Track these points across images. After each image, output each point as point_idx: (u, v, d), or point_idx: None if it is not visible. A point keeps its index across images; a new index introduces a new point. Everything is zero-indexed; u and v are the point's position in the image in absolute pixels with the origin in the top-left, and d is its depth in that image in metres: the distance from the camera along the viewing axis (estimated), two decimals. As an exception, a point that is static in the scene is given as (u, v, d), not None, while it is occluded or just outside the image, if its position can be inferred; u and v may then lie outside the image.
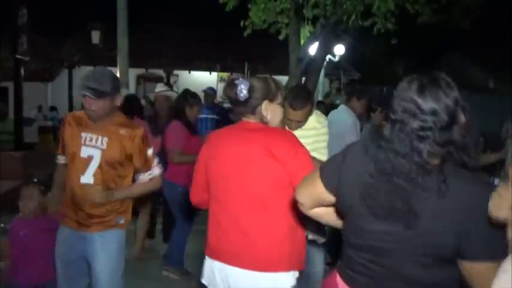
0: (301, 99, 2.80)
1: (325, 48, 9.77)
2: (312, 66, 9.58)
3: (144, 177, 2.66)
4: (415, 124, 1.36)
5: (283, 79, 12.95)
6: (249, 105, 2.09)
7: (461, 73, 14.08)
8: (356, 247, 1.54)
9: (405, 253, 1.42)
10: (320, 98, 12.37)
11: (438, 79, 1.41)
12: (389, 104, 1.45)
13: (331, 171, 1.60)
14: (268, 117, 2.11)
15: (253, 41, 11.40)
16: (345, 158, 1.56)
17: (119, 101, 2.56)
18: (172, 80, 16.85)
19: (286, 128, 2.76)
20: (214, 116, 6.38)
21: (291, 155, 2.00)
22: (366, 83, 13.72)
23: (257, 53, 14.27)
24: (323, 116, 3.10)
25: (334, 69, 13.29)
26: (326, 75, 12.16)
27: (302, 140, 2.13)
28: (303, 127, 2.88)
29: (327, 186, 1.60)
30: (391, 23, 9.06)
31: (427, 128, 1.35)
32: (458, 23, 9.40)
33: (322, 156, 2.85)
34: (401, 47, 11.28)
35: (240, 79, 2.07)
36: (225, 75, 15.73)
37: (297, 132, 2.61)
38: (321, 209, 1.73)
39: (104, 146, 2.52)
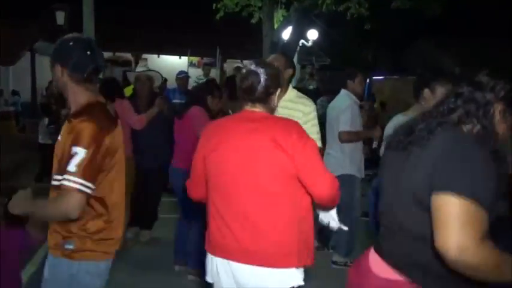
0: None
1: (299, 33, 9.70)
2: (285, 51, 9.48)
3: (54, 182, 1.92)
4: None
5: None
6: (264, 94, 2.02)
7: (430, 60, 14.31)
8: (381, 215, 1.70)
9: (401, 203, 1.56)
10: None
11: None
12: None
13: None
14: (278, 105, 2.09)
15: (225, 24, 11.19)
16: None
17: (58, 72, 1.96)
18: (141, 64, 16.48)
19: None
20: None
21: (299, 146, 1.94)
22: (336, 69, 13.77)
23: (229, 37, 14.04)
24: (310, 101, 3.00)
25: (306, 54, 13.24)
26: (299, 60, 12.10)
27: None
28: (290, 113, 2.77)
29: None
30: (364, 8, 9.06)
31: None
32: (429, 10, 9.48)
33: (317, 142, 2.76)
34: (373, 33, 11.33)
35: (254, 66, 2.03)
36: (195, 59, 15.45)
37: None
38: None
39: (60, 137, 1.99)
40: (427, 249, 1.47)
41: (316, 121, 2.89)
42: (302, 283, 2.02)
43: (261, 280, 1.96)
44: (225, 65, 14.32)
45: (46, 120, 7.56)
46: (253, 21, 10.03)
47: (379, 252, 1.66)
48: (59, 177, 1.85)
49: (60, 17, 11.25)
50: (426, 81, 2.96)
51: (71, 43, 1.98)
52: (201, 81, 9.52)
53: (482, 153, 1.44)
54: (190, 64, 14.49)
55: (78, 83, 1.98)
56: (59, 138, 1.99)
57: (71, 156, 1.81)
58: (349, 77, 4.41)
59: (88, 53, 1.97)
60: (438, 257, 1.42)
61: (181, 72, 7.31)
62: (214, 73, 11.88)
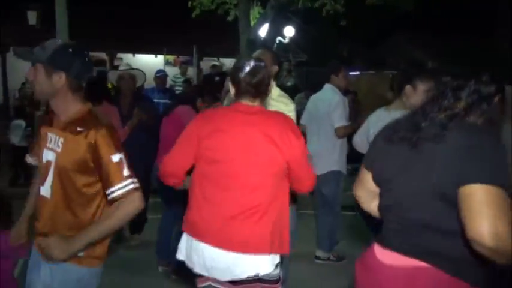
0: None
1: (276, 30, 9.71)
2: (261, 48, 9.49)
3: (111, 196, 1.90)
4: None
5: (233, 61, 12.76)
6: (265, 88, 2.12)
7: (403, 54, 14.50)
8: (386, 209, 1.75)
9: (415, 199, 1.60)
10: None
11: None
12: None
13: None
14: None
15: (201, 22, 11.12)
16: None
17: (60, 81, 1.92)
18: (115, 63, 16.23)
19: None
20: (167, 101, 6.16)
21: (292, 142, 2.04)
22: (312, 65, 13.83)
23: (205, 35, 13.96)
24: (290, 100, 3.03)
25: (284, 51, 13.27)
26: (276, 57, 12.09)
27: None
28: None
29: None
30: (339, 4, 9.13)
31: None
32: (402, 5, 9.62)
33: None
34: (348, 29, 11.44)
35: (254, 61, 2.11)
36: (172, 58, 15.32)
37: None
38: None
39: (59, 149, 1.94)
40: (448, 239, 1.54)
41: (295, 120, 2.93)
42: (275, 267, 2.10)
43: (230, 263, 2.03)
44: (201, 63, 14.25)
45: (23, 123, 7.38)
46: (230, 18, 10.01)
47: (387, 245, 1.70)
48: (111, 189, 1.86)
49: (32, 17, 10.98)
50: (409, 77, 3.00)
51: (70, 50, 1.95)
52: (178, 80, 9.48)
53: (495, 142, 1.52)
54: (167, 63, 14.38)
55: (75, 91, 1.96)
56: (57, 149, 1.94)
57: (118, 163, 1.87)
58: (333, 72, 4.43)
59: (87, 60, 1.99)
60: (462, 246, 1.48)
61: (159, 71, 7.25)
62: (191, 71, 11.82)
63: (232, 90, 2.15)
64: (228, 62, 13.34)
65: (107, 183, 1.88)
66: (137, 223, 4.72)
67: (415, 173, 1.61)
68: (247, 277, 2.05)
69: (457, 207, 1.47)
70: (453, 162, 1.50)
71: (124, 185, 1.86)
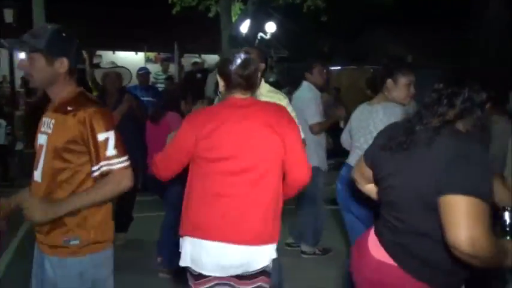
0: None
1: (257, 26, 9.72)
2: (244, 45, 9.49)
3: (94, 174, 1.93)
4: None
5: (215, 58, 12.72)
6: (256, 80, 2.11)
7: (383, 49, 14.65)
8: (382, 205, 1.86)
9: (405, 203, 1.69)
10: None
11: None
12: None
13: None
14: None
15: (182, 19, 11.05)
16: None
17: (63, 66, 1.94)
18: (95, 61, 16.01)
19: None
20: (150, 98, 6.11)
21: (289, 130, 2.07)
22: (294, 61, 13.85)
23: (186, 31, 13.88)
24: (283, 95, 3.05)
25: (265, 47, 13.28)
26: (257, 53, 12.08)
27: None
28: None
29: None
30: (320, 0, 9.18)
31: None
32: (384, 1, 9.73)
33: None
34: (329, 24, 11.50)
35: (243, 53, 2.09)
36: (152, 55, 15.18)
37: None
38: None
39: (50, 130, 1.96)
40: (426, 244, 1.64)
41: (293, 113, 2.88)
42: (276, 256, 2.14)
43: (244, 257, 2.03)
44: (182, 60, 14.17)
45: (3, 122, 7.34)
46: (211, 15, 9.97)
47: (378, 237, 1.81)
48: (95, 167, 1.90)
49: (9, 15, 10.76)
50: (390, 71, 3.03)
51: (64, 34, 1.95)
52: (160, 77, 9.43)
53: (481, 153, 1.60)
54: (147, 60, 14.25)
55: (72, 74, 1.99)
56: (49, 131, 1.96)
57: (103, 142, 1.89)
58: (306, 69, 4.45)
59: (77, 43, 2.00)
60: (439, 251, 1.59)
61: (142, 68, 7.18)
62: (172, 68, 11.74)
63: (222, 84, 2.11)
64: (210, 59, 13.31)
65: (93, 161, 1.90)
66: (123, 222, 4.69)
67: (404, 176, 1.70)
68: (257, 269, 2.07)
69: (438, 213, 1.55)
70: (438, 169, 1.57)
71: (109, 164, 1.89)
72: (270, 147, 2.03)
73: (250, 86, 2.09)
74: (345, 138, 3.53)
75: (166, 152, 2.14)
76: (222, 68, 2.10)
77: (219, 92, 2.25)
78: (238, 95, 2.09)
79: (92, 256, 1.97)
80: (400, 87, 3.01)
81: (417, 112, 1.78)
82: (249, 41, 9.43)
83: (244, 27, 9.72)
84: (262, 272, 2.10)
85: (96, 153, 1.89)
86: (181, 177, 2.20)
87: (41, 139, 2.00)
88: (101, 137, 1.89)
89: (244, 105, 2.07)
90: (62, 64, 1.94)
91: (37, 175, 1.99)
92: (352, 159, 3.23)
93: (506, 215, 1.78)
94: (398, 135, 1.76)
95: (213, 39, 11.07)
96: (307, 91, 4.40)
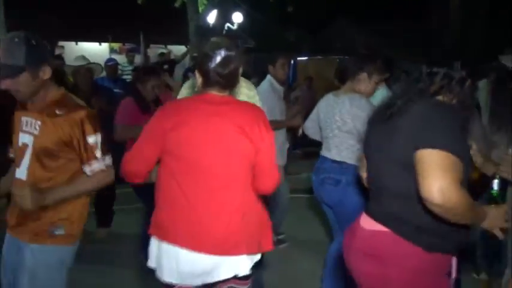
0: None
1: (224, 16, 9.69)
2: (211, 35, 9.46)
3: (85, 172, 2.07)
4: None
5: (181, 49, 12.61)
6: (235, 79, 2.01)
7: (348, 39, 14.89)
8: (368, 180, 1.96)
9: (384, 167, 1.79)
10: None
11: None
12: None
13: None
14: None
15: (148, 9, 10.89)
16: None
17: (46, 73, 1.99)
18: (57, 52, 15.58)
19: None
20: (119, 90, 6.03)
21: (264, 137, 1.97)
22: (260, 51, 13.88)
23: (152, 21, 13.67)
24: (251, 85, 3.04)
25: (232, 37, 13.25)
26: (224, 44, 12.04)
27: None
28: None
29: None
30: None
31: None
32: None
33: None
34: (295, 15, 11.59)
35: (224, 50, 1.93)
36: (117, 45, 14.90)
37: None
38: None
39: (37, 131, 2.01)
40: (408, 205, 1.71)
41: (260, 103, 2.85)
42: (249, 272, 2.01)
43: (209, 267, 1.93)
44: (148, 51, 13.97)
45: None
46: (177, 5, 9.87)
47: (368, 213, 1.87)
48: (85, 168, 2.04)
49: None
50: (367, 65, 3.10)
51: (33, 41, 1.95)
52: (126, 69, 9.28)
53: (455, 116, 1.69)
54: (112, 51, 13.98)
55: (51, 77, 2.02)
56: (36, 132, 2.01)
57: (93, 144, 2.03)
58: (270, 62, 4.32)
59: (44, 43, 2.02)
60: (418, 210, 1.66)
61: (110, 59, 7.04)
62: (138, 59, 11.57)
63: (200, 80, 1.99)
64: (176, 50, 13.17)
65: (83, 162, 2.04)
66: (105, 216, 4.56)
67: (385, 144, 1.78)
68: (224, 279, 1.97)
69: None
70: (412, 130, 1.67)
71: (98, 163, 2.04)
72: (238, 150, 1.92)
73: (230, 85, 1.99)
74: (310, 127, 3.50)
75: (134, 152, 1.99)
76: (201, 64, 1.97)
77: (196, 87, 2.11)
78: (214, 91, 1.98)
79: (70, 248, 2.10)
80: (372, 83, 3.11)
81: (400, 89, 1.89)
82: (216, 32, 9.39)
83: (211, 17, 9.68)
84: (234, 276, 1.98)
85: (86, 154, 2.03)
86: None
87: (24, 138, 2.05)
88: (90, 139, 2.02)
89: (217, 102, 1.96)
90: (45, 72, 1.99)
91: (20, 172, 2.06)
92: (325, 151, 3.23)
93: (495, 182, 1.95)
94: (380, 109, 1.87)
95: (180, 30, 10.97)
96: (266, 85, 4.26)
